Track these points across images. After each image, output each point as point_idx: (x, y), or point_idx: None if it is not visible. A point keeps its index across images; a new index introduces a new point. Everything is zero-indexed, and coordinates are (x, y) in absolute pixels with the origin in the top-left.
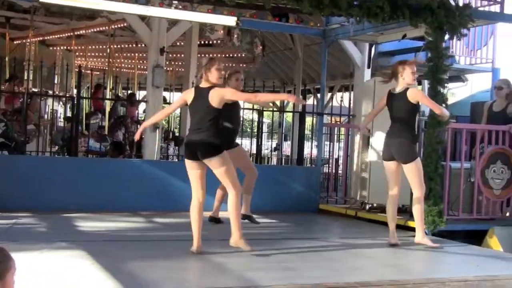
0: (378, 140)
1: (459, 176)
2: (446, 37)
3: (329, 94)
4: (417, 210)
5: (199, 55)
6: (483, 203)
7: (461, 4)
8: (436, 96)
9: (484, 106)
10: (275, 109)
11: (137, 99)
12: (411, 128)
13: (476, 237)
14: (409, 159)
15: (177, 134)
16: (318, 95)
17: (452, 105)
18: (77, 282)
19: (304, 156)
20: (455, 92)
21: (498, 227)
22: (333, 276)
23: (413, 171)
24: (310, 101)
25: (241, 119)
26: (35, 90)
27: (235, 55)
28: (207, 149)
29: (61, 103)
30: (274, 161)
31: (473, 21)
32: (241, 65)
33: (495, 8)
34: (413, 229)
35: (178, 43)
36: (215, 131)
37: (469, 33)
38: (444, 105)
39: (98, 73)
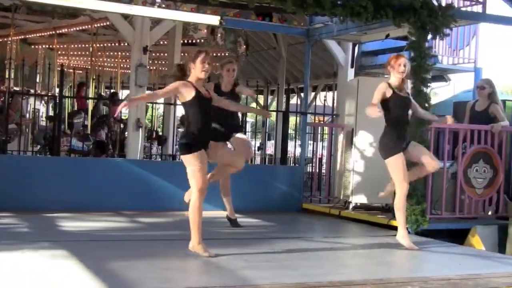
0: (362, 139)
1: (442, 175)
2: (429, 37)
3: (313, 94)
4: (398, 208)
5: (182, 54)
6: (465, 202)
7: (444, 4)
8: (419, 95)
9: (467, 105)
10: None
11: (120, 98)
12: (389, 125)
13: (458, 236)
14: (384, 156)
15: (160, 133)
16: (302, 94)
17: (435, 105)
18: (60, 282)
19: (288, 155)
20: (438, 92)
21: (481, 226)
22: (317, 275)
23: (390, 168)
24: (294, 100)
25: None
26: (17, 89)
27: (219, 54)
28: (179, 148)
29: (43, 102)
30: (257, 160)
31: (456, 21)
32: None
33: (478, 9)
34: (396, 228)
35: (161, 42)
36: (187, 130)
37: (451, 33)
38: (427, 104)
39: (80, 72)
